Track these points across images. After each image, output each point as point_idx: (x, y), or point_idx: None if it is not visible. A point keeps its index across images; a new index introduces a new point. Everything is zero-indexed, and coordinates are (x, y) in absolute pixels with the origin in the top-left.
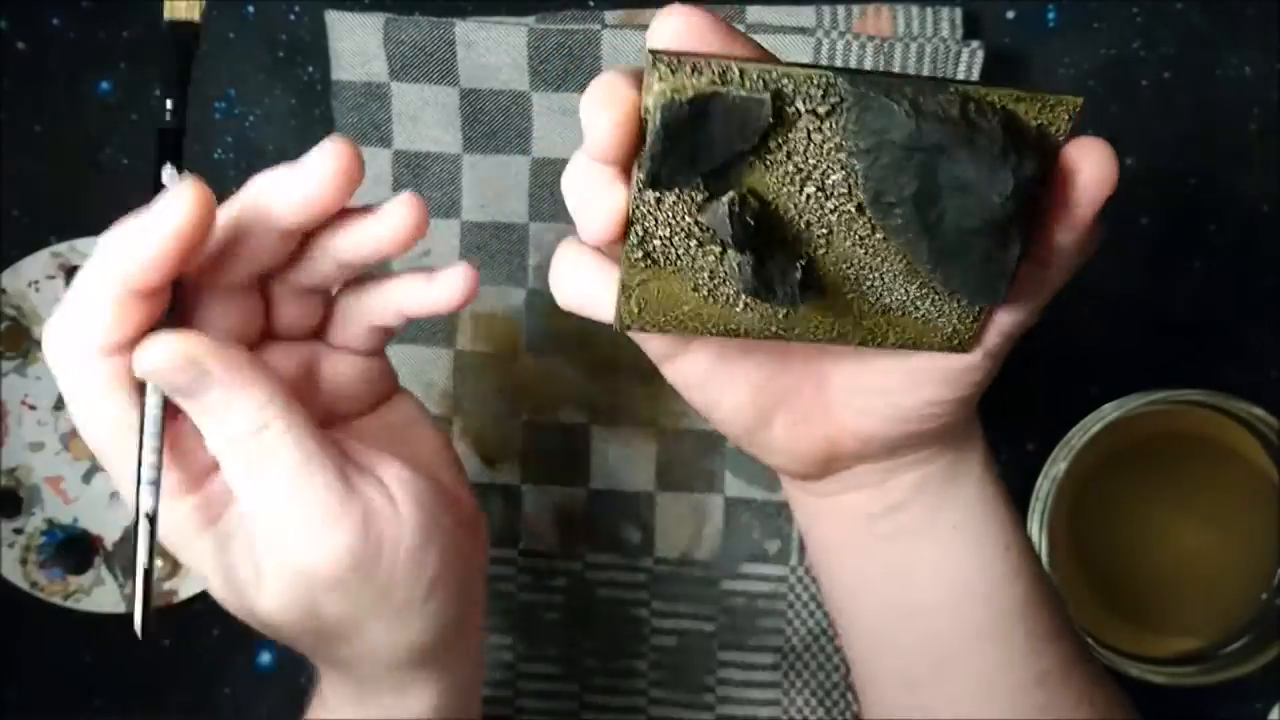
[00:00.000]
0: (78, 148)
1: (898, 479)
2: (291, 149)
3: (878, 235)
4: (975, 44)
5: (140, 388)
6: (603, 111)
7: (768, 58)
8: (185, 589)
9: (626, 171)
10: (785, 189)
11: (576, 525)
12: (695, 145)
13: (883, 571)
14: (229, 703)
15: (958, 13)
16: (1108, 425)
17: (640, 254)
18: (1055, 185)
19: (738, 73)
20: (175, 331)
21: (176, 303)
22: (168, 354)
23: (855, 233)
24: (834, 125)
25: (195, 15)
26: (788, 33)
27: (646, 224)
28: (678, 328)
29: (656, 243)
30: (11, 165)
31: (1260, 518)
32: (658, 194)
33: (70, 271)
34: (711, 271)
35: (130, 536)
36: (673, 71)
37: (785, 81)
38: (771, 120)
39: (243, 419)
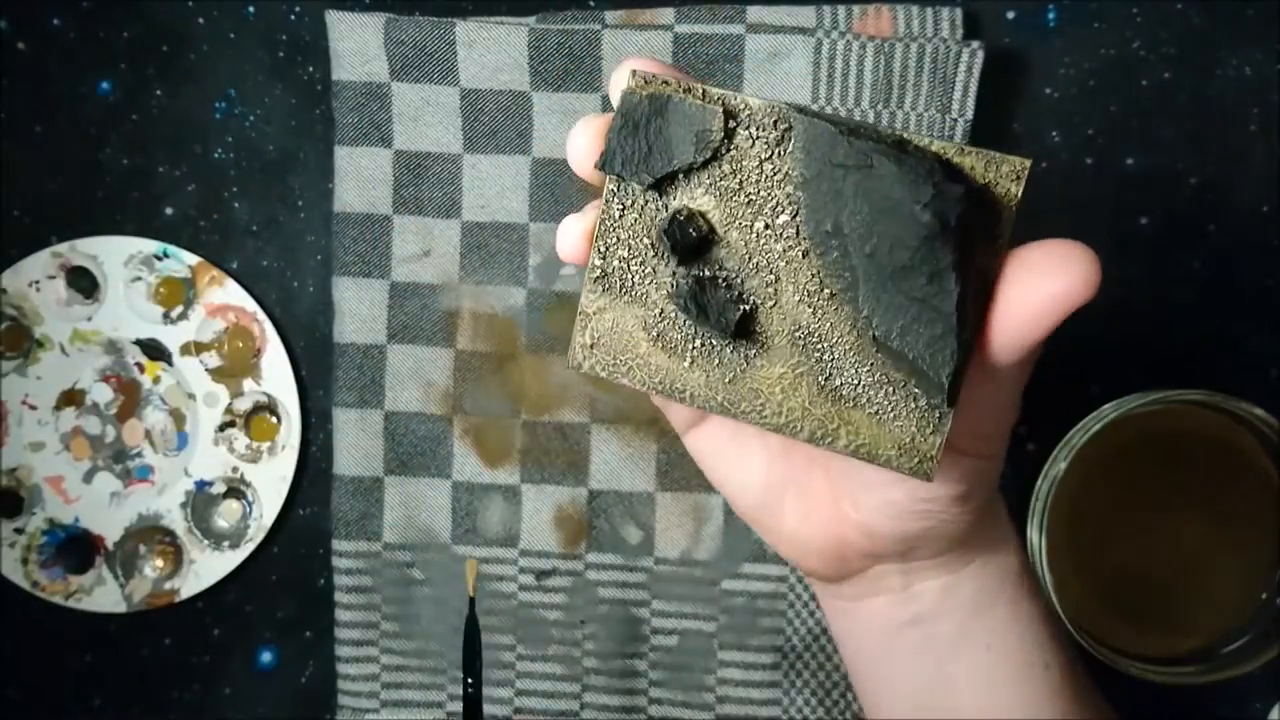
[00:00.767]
0: (78, 148)
1: (922, 585)
2: (291, 149)
3: (824, 293)
4: (975, 44)
5: None
6: (585, 125)
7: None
8: (186, 589)
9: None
10: (737, 221)
11: (576, 525)
12: (651, 142)
13: (914, 681)
14: (229, 703)
15: (958, 13)
16: (1108, 425)
17: (600, 273)
18: (1005, 270)
19: (700, 90)
20: None
21: None
22: None
23: (802, 285)
24: (783, 153)
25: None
26: (788, 33)
27: (609, 239)
28: (628, 376)
29: (616, 263)
30: (11, 165)
31: (1260, 518)
32: (622, 206)
33: (70, 271)
34: (662, 310)
35: None
36: (645, 80)
37: (740, 105)
38: (724, 137)
39: None
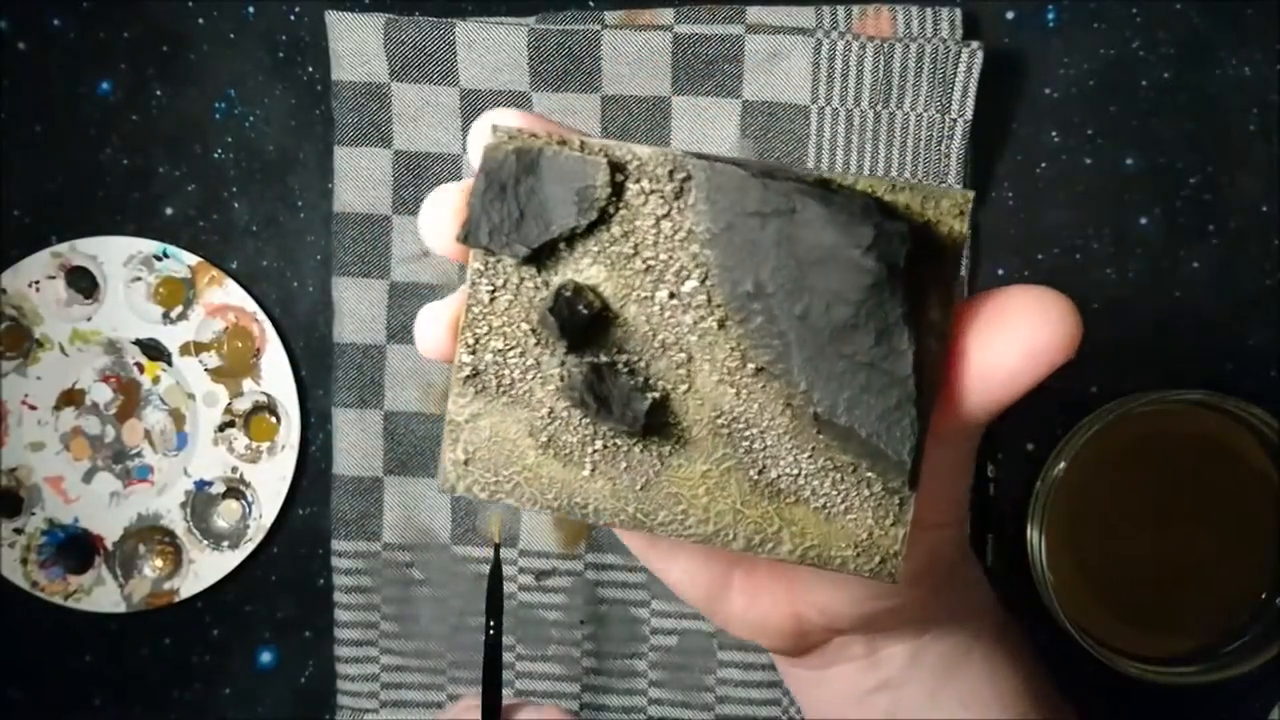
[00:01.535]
0: (78, 148)
1: (888, 650)
2: (291, 149)
3: (748, 369)
4: (975, 44)
5: None
6: (440, 193)
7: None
8: (186, 589)
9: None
10: (635, 293)
11: (576, 525)
12: (523, 206)
13: None
14: (229, 703)
15: (958, 13)
16: (1108, 425)
17: (470, 371)
18: (970, 321)
19: (577, 142)
20: None
21: None
22: None
23: (721, 362)
24: (683, 207)
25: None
26: (788, 33)
27: (478, 329)
28: (514, 494)
29: (489, 357)
30: (11, 165)
31: (1260, 518)
32: (493, 286)
33: (70, 272)
34: (551, 410)
35: None
36: (509, 136)
37: (627, 155)
38: (612, 194)
39: None
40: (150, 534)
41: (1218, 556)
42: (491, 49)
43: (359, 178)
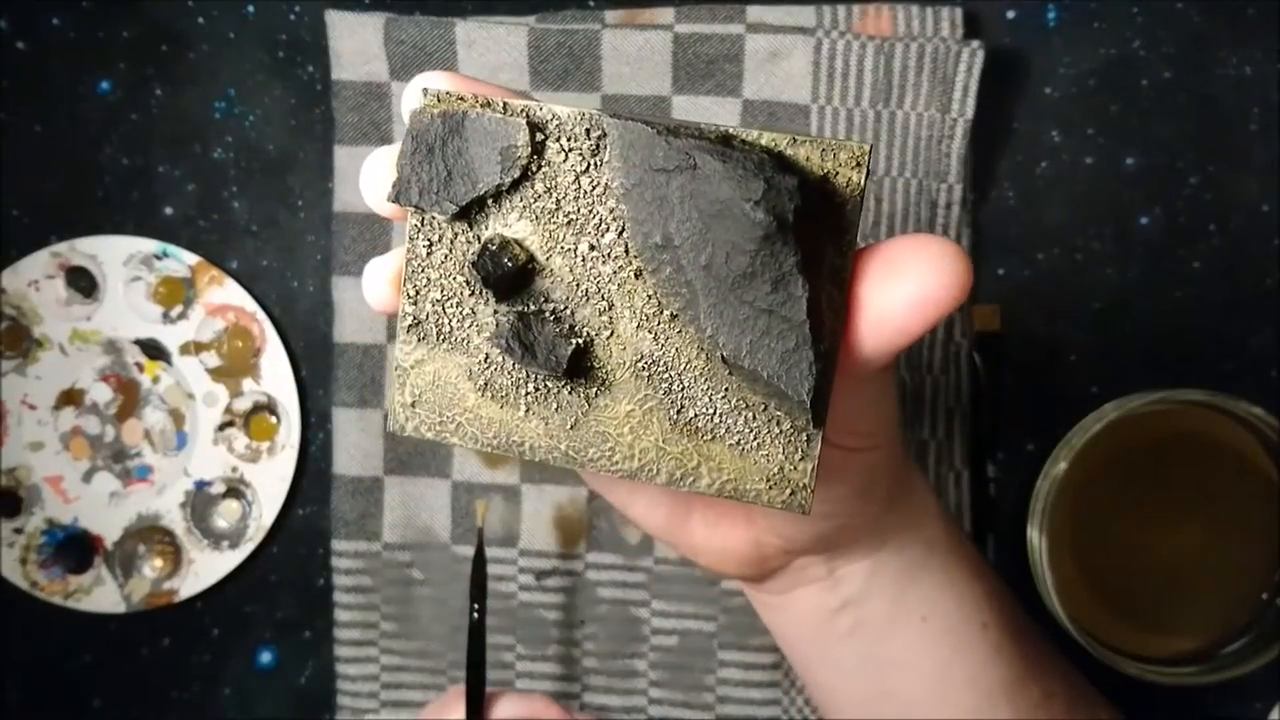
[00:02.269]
0: (78, 148)
1: (847, 569)
2: (291, 149)
3: (664, 315)
4: (975, 44)
5: None
6: (376, 155)
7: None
8: (185, 589)
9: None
10: (559, 245)
11: (576, 525)
12: (450, 166)
13: (853, 664)
14: (229, 703)
15: (958, 13)
16: (1108, 425)
17: (412, 320)
18: (864, 268)
19: (501, 104)
20: None
21: None
22: None
23: (639, 309)
24: (599, 164)
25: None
26: (788, 32)
27: (418, 281)
28: (458, 434)
29: (429, 307)
30: (11, 165)
31: (1260, 518)
32: (430, 242)
33: (70, 271)
34: (487, 355)
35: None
36: (438, 99)
37: (548, 115)
38: (533, 152)
39: None
40: (150, 534)
41: (1218, 557)
42: (492, 48)
43: (359, 177)
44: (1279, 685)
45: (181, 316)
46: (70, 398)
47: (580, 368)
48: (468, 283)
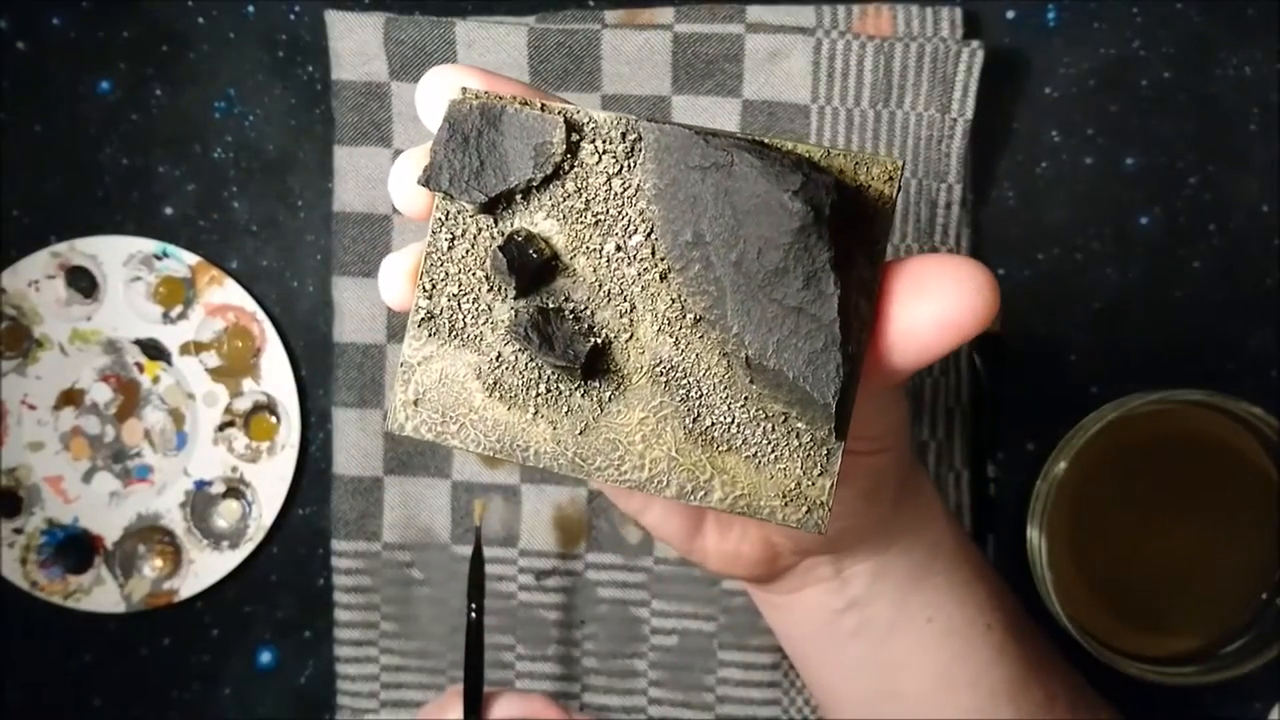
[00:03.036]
0: (78, 148)
1: (853, 569)
2: (291, 149)
3: (687, 319)
4: (975, 44)
5: None
6: (411, 152)
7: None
8: (185, 589)
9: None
10: (585, 246)
11: (576, 525)
12: (484, 157)
13: (857, 665)
14: (228, 703)
15: (958, 13)
16: (1108, 425)
17: (425, 314)
18: (893, 284)
19: (538, 103)
20: None
21: None
22: None
23: (662, 313)
24: (633, 165)
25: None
26: (788, 32)
27: (436, 275)
28: (460, 436)
29: (444, 301)
30: (11, 165)
31: (1260, 518)
32: (451, 235)
33: (70, 271)
34: (499, 355)
35: None
36: (476, 96)
37: (585, 118)
38: (567, 151)
39: None
40: (150, 534)
41: (1218, 556)
42: (492, 48)
43: (359, 177)
44: (1279, 685)
45: (181, 316)
46: (70, 398)
47: (596, 368)
48: (486, 278)
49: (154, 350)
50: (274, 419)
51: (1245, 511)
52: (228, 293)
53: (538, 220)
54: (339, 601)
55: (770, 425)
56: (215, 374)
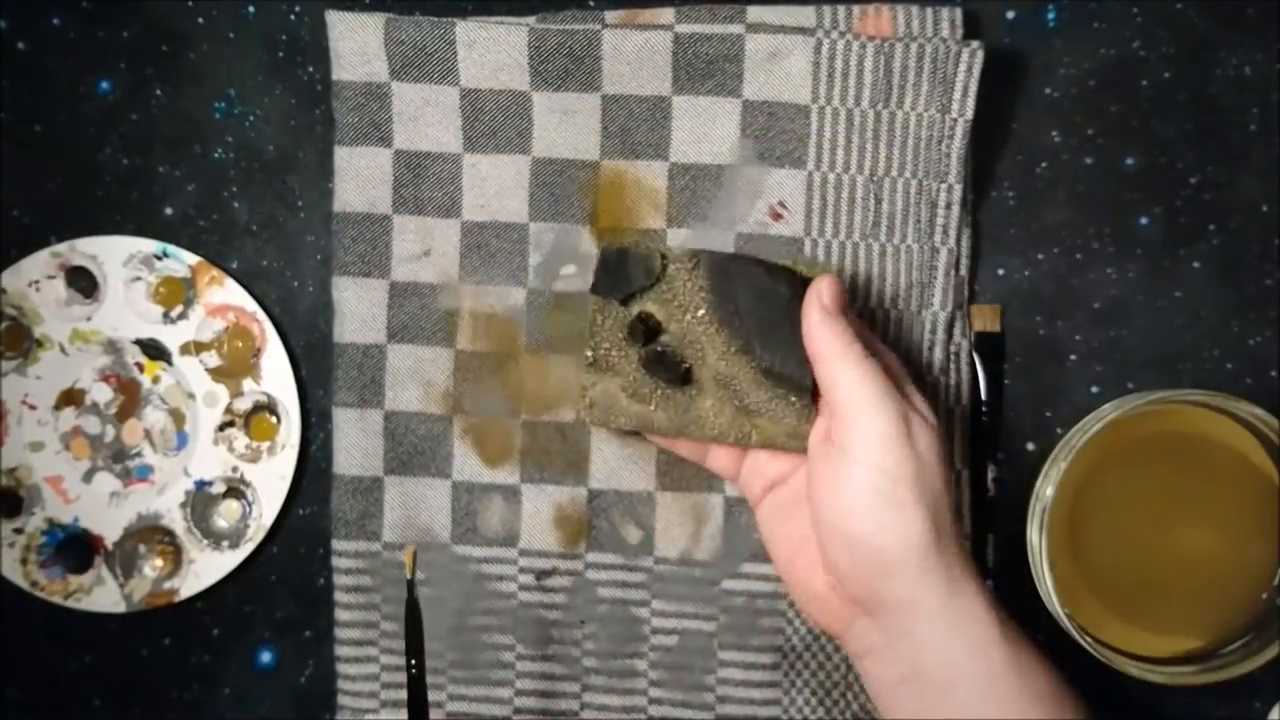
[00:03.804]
0: (78, 148)
1: (901, 638)
2: (291, 149)
3: (732, 351)
4: (975, 44)
5: None
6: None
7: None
8: (185, 589)
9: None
10: (673, 317)
11: (576, 525)
12: (618, 275)
13: None
14: (228, 703)
15: (958, 13)
16: (1108, 425)
17: (592, 359)
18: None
19: (644, 245)
20: None
21: None
22: None
23: (718, 348)
24: (696, 274)
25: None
26: (788, 32)
27: (597, 339)
28: (617, 420)
29: (602, 351)
30: (11, 165)
31: (1260, 518)
32: (603, 317)
33: (70, 271)
34: (635, 376)
35: None
36: (612, 243)
37: (669, 251)
38: (661, 269)
39: None
40: (150, 534)
41: (1218, 556)
42: (492, 48)
43: (359, 177)
44: (1279, 685)
45: (181, 316)
46: (70, 398)
47: (687, 380)
48: (623, 338)
49: (154, 350)
50: (274, 419)
51: (1245, 511)
52: (228, 293)
53: (648, 305)
54: (339, 601)
55: (779, 401)
56: (215, 374)
